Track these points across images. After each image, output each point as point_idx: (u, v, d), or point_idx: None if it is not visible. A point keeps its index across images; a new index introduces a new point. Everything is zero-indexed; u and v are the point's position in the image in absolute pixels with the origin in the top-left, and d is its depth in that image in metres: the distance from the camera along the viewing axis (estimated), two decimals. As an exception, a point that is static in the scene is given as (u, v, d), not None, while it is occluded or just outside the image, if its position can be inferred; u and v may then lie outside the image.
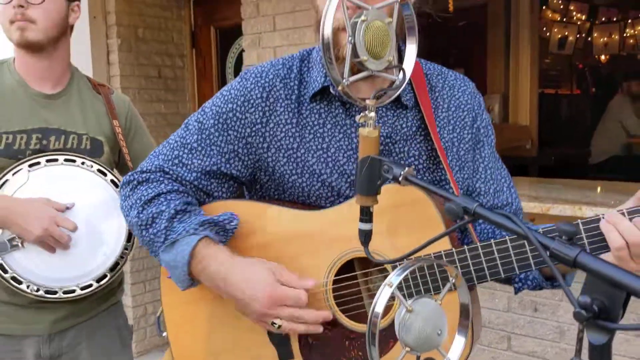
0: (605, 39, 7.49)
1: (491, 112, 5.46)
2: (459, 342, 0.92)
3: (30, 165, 1.70)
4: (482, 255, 1.12)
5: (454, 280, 0.95)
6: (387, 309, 0.94)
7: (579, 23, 7.35)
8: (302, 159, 1.25)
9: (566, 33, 7.29)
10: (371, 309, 0.87)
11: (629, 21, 7.32)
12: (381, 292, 0.87)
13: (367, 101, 1.02)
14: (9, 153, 1.70)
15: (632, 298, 0.72)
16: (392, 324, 1.13)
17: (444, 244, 1.14)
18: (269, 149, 1.25)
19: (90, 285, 1.74)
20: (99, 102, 1.88)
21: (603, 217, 1.07)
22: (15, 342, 1.74)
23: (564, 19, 7.29)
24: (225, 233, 1.22)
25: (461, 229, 1.25)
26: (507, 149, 5.07)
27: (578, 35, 7.36)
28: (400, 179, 0.96)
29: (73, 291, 1.73)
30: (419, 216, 1.16)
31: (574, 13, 7.36)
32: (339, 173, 1.24)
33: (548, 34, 7.18)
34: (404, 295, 1.11)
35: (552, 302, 2.61)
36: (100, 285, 1.76)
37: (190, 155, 1.26)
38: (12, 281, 1.67)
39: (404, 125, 1.26)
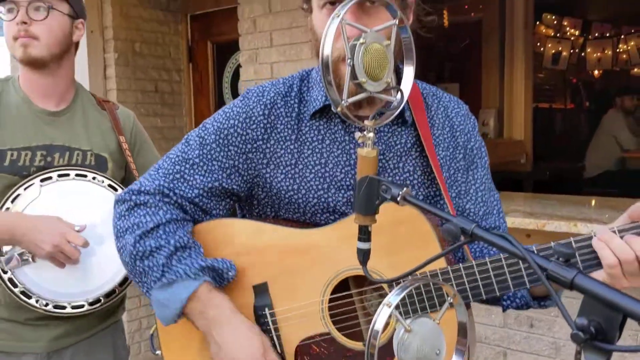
0: (599, 54, 7.57)
1: (486, 127, 5.49)
2: (457, 362, 0.93)
3: (42, 180, 1.70)
4: (477, 274, 1.13)
5: (451, 300, 0.96)
6: (384, 326, 0.95)
7: (572, 38, 7.43)
8: (299, 175, 1.26)
9: (560, 48, 7.36)
10: (370, 328, 0.88)
11: (622, 37, 7.41)
12: (380, 312, 0.88)
13: (366, 122, 1.03)
14: (13, 169, 1.70)
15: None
16: (389, 342, 1.13)
17: (440, 262, 1.15)
18: (268, 165, 1.27)
19: (99, 301, 1.75)
20: (103, 118, 1.88)
21: (595, 235, 1.08)
22: (14, 359, 1.73)
23: (558, 35, 7.37)
24: (222, 280, 1.23)
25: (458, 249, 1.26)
26: (502, 164, 5.10)
27: (572, 51, 7.44)
28: (398, 199, 0.97)
29: (82, 306, 1.73)
30: (414, 233, 1.17)
31: (568, 28, 7.44)
32: (336, 188, 1.25)
33: (542, 49, 7.25)
34: (400, 314, 1.11)
35: (548, 318, 2.61)
36: (109, 300, 1.76)
37: (192, 171, 1.27)
38: (21, 295, 1.67)
39: (397, 142, 1.28)
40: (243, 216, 1.36)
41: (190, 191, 1.26)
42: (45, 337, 1.75)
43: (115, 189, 1.78)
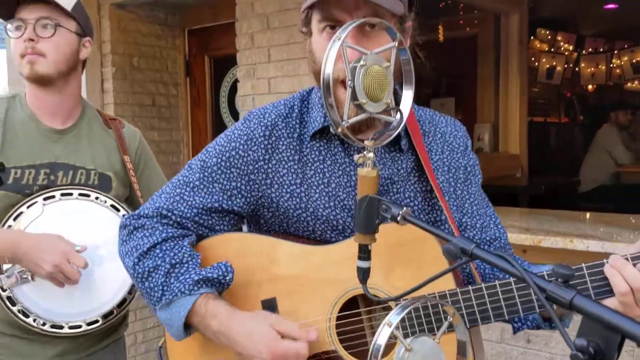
0: (592, 69, 7.64)
1: (481, 141, 5.52)
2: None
3: (45, 199, 1.71)
4: (486, 296, 1.13)
5: (451, 320, 0.97)
6: (391, 346, 0.95)
7: (566, 53, 7.50)
8: (305, 194, 1.27)
9: (554, 63, 7.43)
10: (371, 348, 0.89)
11: (615, 52, 7.48)
12: (380, 332, 0.89)
13: (366, 142, 1.05)
14: (16, 188, 1.70)
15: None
16: (392, 360, 1.14)
17: (448, 284, 1.15)
18: (272, 185, 1.28)
19: (97, 321, 1.74)
20: (109, 137, 1.88)
21: (607, 262, 1.08)
22: None
23: (552, 49, 7.44)
24: (221, 286, 1.24)
25: (463, 268, 1.27)
26: (498, 178, 5.13)
27: (566, 66, 7.50)
28: (398, 218, 0.98)
29: (79, 326, 1.72)
30: (424, 253, 1.18)
31: (562, 43, 7.52)
32: (341, 208, 1.26)
33: (536, 63, 7.32)
34: (405, 333, 1.12)
35: (545, 333, 2.62)
36: (107, 322, 1.75)
37: (192, 193, 1.28)
38: (19, 314, 1.67)
39: (399, 168, 1.29)
40: (251, 231, 1.37)
41: (189, 210, 1.27)
42: (46, 354, 1.74)
43: (118, 210, 1.78)
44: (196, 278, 1.21)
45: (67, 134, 1.82)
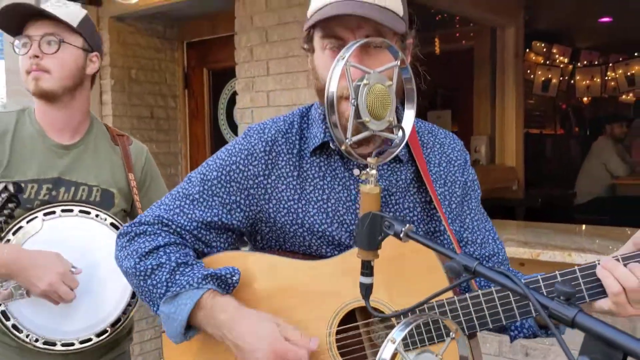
0: (588, 81, 7.70)
1: (478, 153, 5.54)
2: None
3: (45, 214, 1.71)
4: (483, 303, 1.14)
5: (453, 335, 0.98)
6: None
7: (561, 66, 7.56)
8: (302, 210, 1.28)
9: (550, 75, 7.48)
10: (375, 364, 0.89)
11: (610, 65, 7.54)
12: (384, 348, 0.90)
13: (369, 159, 1.06)
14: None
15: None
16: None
17: (447, 293, 1.15)
18: (270, 201, 1.29)
19: (90, 340, 1.73)
20: (115, 154, 1.89)
21: (599, 264, 1.10)
22: None
23: (547, 62, 7.49)
24: (227, 287, 1.24)
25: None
26: (495, 190, 5.14)
27: (561, 78, 7.56)
28: (401, 235, 0.99)
29: (72, 344, 1.71)
30: (420, 264, 1.19)
31: (557, 56, 7.58)
32: (339, 223, 1.27)
33: (532, 76, 7.37)
34: (405, 343, 1.13)
35: (543, 346, 2.63)
36: (100, 340, 1.74)
37: (192, 206, 1.29)
38: (12, 329, 1.66)
39: (398, 179, 1.30)
40: (251, 249, 1.37)
41: (189, 224, 1.28)
42: None
43: (117, 228, 1.78)
44: (205, 273, 1.21)
45: (73, 149, 1.82)
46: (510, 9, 5.51)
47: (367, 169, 1.06)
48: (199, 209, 1.28)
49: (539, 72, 7.43)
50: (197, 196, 1.29)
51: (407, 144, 1.30)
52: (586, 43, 7.76)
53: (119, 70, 4.31)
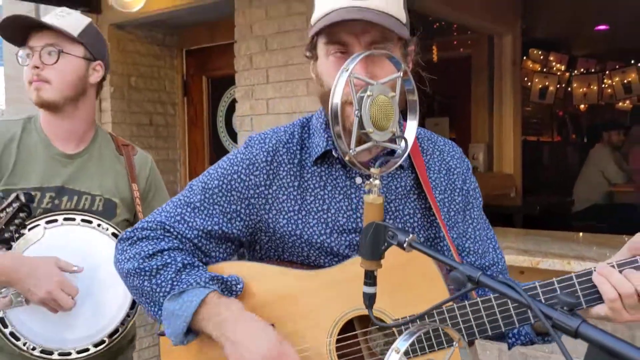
0: (585, 89, 7.74)
1: (476, 161, 5.56)
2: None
3: (47, 222, 1.71)
4: (482, 310, 1.15)
5: (456, 344, 0.99)
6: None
7: (558, 73, 7.59)
8: (302, 221, 1.28)
9: (547, 83, 7.52)
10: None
11: (607, 72, 7.58)
12: (389, 357, 0.91)
13: (372, 169, 1.07)
14: None
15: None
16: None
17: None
18: (270, 211, 1.29)
19: (87, 350, 1.72)
20: (119, 165, 1.89)
21: (595, 270, 1.12)
22: None
23: (545, 69, 7.53)
24: (230, 293, 1.24)
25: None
26: (493, 197, 5.16)
27: (558, 86, 7.59)
28: (404, 245, 1.00)
29: (69, 354, 1.71)
30: (419, 272, 1.20)
31: (554, 64, 7.61)
32: (338, 232, 1.28)
33: (529, 83, 7.40)
34: (406, 351, 1.13)
35: (543, 354, 2.63)
36: (98, 351, 1.74)
37: (192, 214, 1.29)
38: (10, 337, 1.66)
39: (398, 185, 1.31)
40: (250, 259, 1.38)
41: (190, 232, 1.28)
42: None
43: None
44: (212, 275, 1.22)
45: (77, 158, 1.83)
46: (508, 18, 5.55)
47: (371, 179, 1.07)
48: (200, 217, 1.29)
49: (536, 80, 7.47)
50: (198, 204, 1.29)
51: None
52: (583, 51, 7.81)
53: (118, 77, 4.32)
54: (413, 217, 1.31)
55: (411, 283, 1.19)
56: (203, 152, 4.77)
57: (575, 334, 0.78)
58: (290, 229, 1.28)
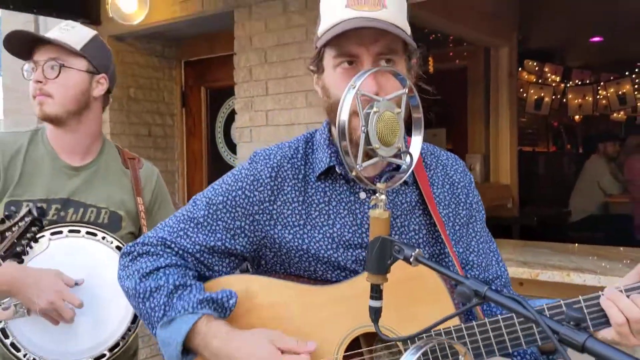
0: (579, 100, 7.79)
1: (472, 172, 5.56)
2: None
3: (52, 234, 1.72)
4: (490, 331, 1.15)
5: (462, 359, 1.00)
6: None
7: (553, 85, 7.65)
8: (308, 236, 1.29)
9: (542, 94, 7.56)
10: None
11: (601, 83, 7.64)
12: (397, 372, 0.92)
13: (378, 184, 1.09)
14: None
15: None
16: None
17: (453, 320, 1.17)
18: (276, 226, 1.29)
19: None
20: (125, 178, 1.89)
21: (602, 294, 1.12)
22: None
23: (540, 80, 7.58)
24: (223, 310, 1.24)
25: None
26: (490, 209, 5.16)
27: (553, 97, 7.64)
28: (411, 259, 1.01)
29: None
30: (425, 289, 1.20)
31: (549, 75, 7.67)
32: (344, 248, 1.28)
33: (525, 94, 7.45)
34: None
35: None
36: None
37: (196, 229, 1.30)
38: (10, 347, 1.66)
39: (403, 201, 1.31)
40: (256, 273, 1.38)
41: (192, 247, 1.29)
42: None
43: None
44: (200, 297, 1.22)
45: (83, 170, 1.84)
46: (504, 30, 5.60)
47: (377, 194, 1.08)
48: (203, 233, 1.29)
49: (532, 91, 7.52)
50: (201, 220, 1.30)
51: None
52: (578, 62, 7.87)
53: (117, 88, 4.27)
54: (418, 233, 1.31)
55: (417, 299, 1.20)
56: (201, 163, 4.77)
57: (582, 349, 0.79)
58: (296, 244, 1.28)
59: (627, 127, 7.86)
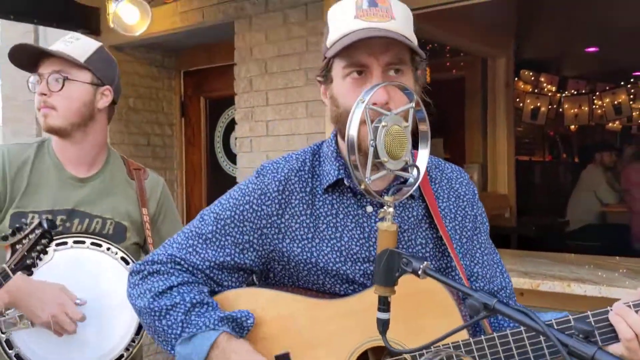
0: (576, 110, 7.83)
1: (470, 181, 5.59)
2: None
3: (57, 244, 1.72)
4: (499, 345, 1.16)
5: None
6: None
7: (550, 94, 7.69)
8: (317, 249, 1.29)
9: (538, 104, 7.60)
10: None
11: (597, 93, 7.69)
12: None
13: (386, 197, 1.10)
14: None
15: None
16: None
17: (462, 334, 1.18)
18: (284, 240, 1.30)
19: None
20: (130, 189, 1.90)
21: (611, 309, 1.13)
22: None
23: (536, 90, 7.62)
24: (241, 330, 1.25)
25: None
26: (488, 218, 5.18)
27: (550, 106, 7.68)
28: (419, 272, 1.02)
29: None
30: (434, 302, 1.20)
31: (545, 85, 7.71)
32: (352, 261, 1.28)
33: (521, 104, 7.48)
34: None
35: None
36: None
37: (204, 245, 1.30)
38: (15, 358, 1.67)
39: (410, 215, 1.32)
40: (261, 286, 1.38)
41: (202, 263, 1.29)
42: None
43: (127, 263, 1.79)
44: (221, 315, 1.23)
45: (88, 182, 1.85)
46: (501, 40, 5.64)
47: (385, 207, 1.09)
48: (212, 248, 1.29)
49: (528, 101, 7.55)
50: (209, 236, 1.30)
51: None
52: (573, 72, 7.92)
53: (117, 98, 4.35)
54: (425, 247, 1.32)
55: (425, 312, 1.20)
56: (200, 173, 4.78)
57: (592, 361, 0.80)
58: (305, 257, 1.29)
59: (622, 137, 7.90)
